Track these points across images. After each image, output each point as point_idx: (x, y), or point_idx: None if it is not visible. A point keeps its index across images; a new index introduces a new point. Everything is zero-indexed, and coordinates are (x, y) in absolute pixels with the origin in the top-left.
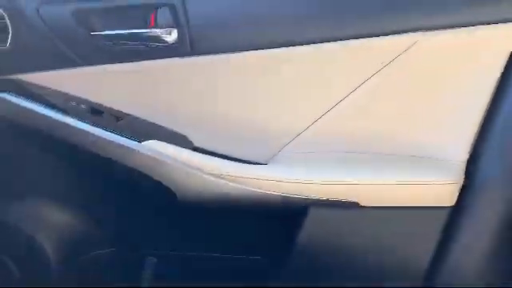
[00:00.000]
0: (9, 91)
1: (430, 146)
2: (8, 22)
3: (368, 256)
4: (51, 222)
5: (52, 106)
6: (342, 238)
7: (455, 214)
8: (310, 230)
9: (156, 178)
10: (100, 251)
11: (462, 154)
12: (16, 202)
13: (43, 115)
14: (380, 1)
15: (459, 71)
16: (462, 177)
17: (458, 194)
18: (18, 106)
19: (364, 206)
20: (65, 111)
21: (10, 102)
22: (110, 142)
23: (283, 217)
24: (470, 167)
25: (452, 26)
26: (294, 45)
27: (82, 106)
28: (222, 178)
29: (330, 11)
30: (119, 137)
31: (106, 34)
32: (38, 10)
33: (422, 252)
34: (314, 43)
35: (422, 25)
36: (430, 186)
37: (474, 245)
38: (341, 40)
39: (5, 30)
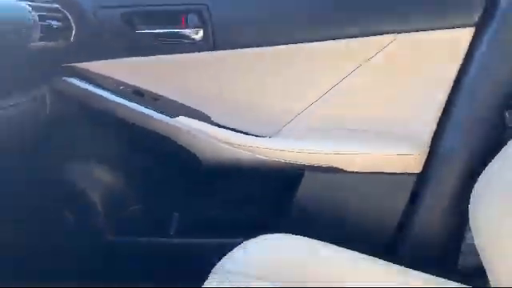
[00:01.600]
0: (74, 76)
1: (402, 124)
2: (72, 22)
3: (350, 210)
4: (101, 181)
5: (105, 88)
6: (330, 196)
7: (421, 179)
8: (305, 189)
9: (184, 146)
10: (136, 207)
11: (428, 130)
12: (74, 163)
13: (99, 95)
14: (364, 12)
15: (427, 63)
16: (427, 149)
17: (423, 163)
18: (80, 87)
19: (348, 171)
20: (114, 92)
21: (74, 85)
22: (149, 117)
23: (283, 179)
24: (434, 142)
25: (419, 30)
26: (296, 43)
27: (128, 89)
28: (237, 147)
29: (327, 18)
30: (156, 113)
31: (147, 32)
32: (95, 13)
33: (394, 208)
34: (312, 42)
35: (397, 28)
36: (402, 156)
37: (436, 203)
38: (332, 39)
39: (70, 28)
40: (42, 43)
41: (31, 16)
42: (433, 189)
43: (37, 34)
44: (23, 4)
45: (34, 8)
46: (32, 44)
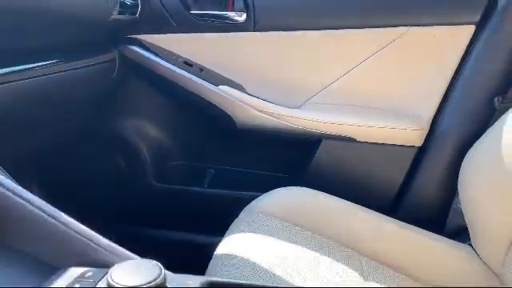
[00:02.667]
0: (137, 45)
1: (408, 104)
2: (139, 1)
3: (359, 174)
4: (150, 136)
5: (161, 57)
6: (342, 161)
7: (421, 152)
8: (322, 154)
9: (223, 110)
10: (178, 162)
11: (429, 110)
12: (128, 120)
13: (156, 62)
14: (383, 7)
15: (433, 54)
16: (428, 126)
17: (424, 138)
18: (142, 55)
19: (359, 141)
20: (169, 61)
21: (137, 52)
22: (196, 84)
23: (305, 144)
24: (434, 120)
25: (429, 25)
26: (322, 29)
27: (179, 60)
28: (268, 115)
29: (350, 9)
30: (202, 81)
31: (198, 13)
32: None
33: (397, 174)
34: (337, 29)
35: (409, 22)
36: (406, 131)
37: (432, 172)
38: (354, 28)
39: (137, 6)
40: (117, 16)
41: None
42: (430, 160)
43: (116, 9)
44: None
45: None
46: (111, 17)
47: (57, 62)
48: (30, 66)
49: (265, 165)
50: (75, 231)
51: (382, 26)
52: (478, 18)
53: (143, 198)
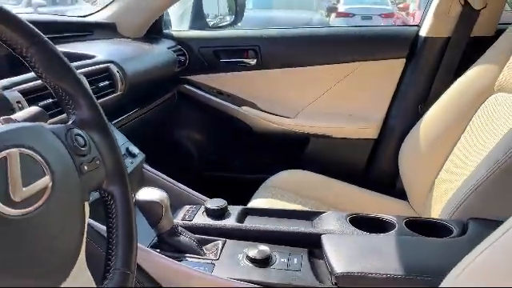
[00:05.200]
0: (187, 83)
1: (367, 111)
2: (187, 54)
3: (336, 159)
4: (196, 140)
5: (202, 90)
6: (324, 152)
7: (376, 142)
8: (311, 147)
9: (244, 122)
10: (214, 156)
11: (381, 115)
12: (182, 131)
13: (199, 93)
14: (345, 51)
15: (379, 78)
16: (380, 125)
17: (378, 132)
18: (190, 89)
19: (335, 137)
20: (208, 92)
21: (187, 88)
22: (226, 105)
23: (298, 141)
24: (384, 121)
25: (375, 60)
26: (307, 66)
27: (214, 91)
28: (273, 123)
29: (326, 53)
30: (229, 103)
31: (225, 60)
32: (199, 50)
33: (362, 158)
34: (318, 65)
35: (362, 58)
36: (366, 129)
37: (384, 155)
38: (329, 64)
39: (186, 59)
40: (177, 69)
41: (175, 56)
42: (383, 147)
43: (176, 65)
44: (171, 51)
45: (173, 51)
46: (174, 71)
47: (143, 105)
48: (134, 110)
49: (272, 156)
50: (181, 188)
51: (345, 62)
52: (406, 53)
53: (191, 182)
